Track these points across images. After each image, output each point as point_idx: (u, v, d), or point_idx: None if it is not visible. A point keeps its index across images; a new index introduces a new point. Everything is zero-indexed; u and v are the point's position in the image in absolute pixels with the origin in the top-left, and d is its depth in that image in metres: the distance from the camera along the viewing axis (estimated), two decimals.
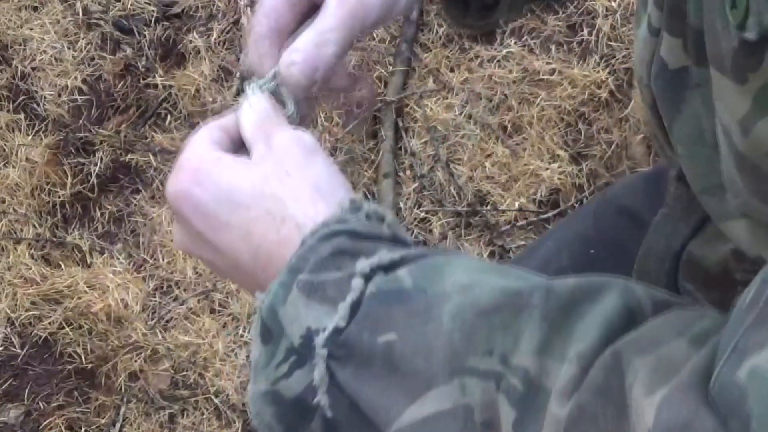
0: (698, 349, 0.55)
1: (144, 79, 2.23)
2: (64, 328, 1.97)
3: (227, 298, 2.01)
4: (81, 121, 2.18)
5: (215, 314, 2.00)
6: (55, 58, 2.24)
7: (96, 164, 2.14)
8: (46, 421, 1.92)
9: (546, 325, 0.59)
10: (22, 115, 2.20)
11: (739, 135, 0.60)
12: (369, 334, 0.63)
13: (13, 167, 2.14)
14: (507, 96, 2.12)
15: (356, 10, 0.77)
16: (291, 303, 0.65)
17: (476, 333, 0.61)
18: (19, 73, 2.23)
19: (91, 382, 1.96)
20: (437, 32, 2.20)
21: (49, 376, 1.97)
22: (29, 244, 2.07)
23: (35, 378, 1.97)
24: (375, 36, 2.20)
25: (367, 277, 0.64)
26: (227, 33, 2.26)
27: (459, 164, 2.08)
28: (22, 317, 1.99)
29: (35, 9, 2.30)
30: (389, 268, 0.65)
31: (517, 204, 2.03)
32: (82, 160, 2.15)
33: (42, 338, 1.98)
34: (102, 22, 2.28)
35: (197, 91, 2.19)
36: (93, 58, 2.25)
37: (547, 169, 2.04)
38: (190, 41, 2.24)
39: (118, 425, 1.92)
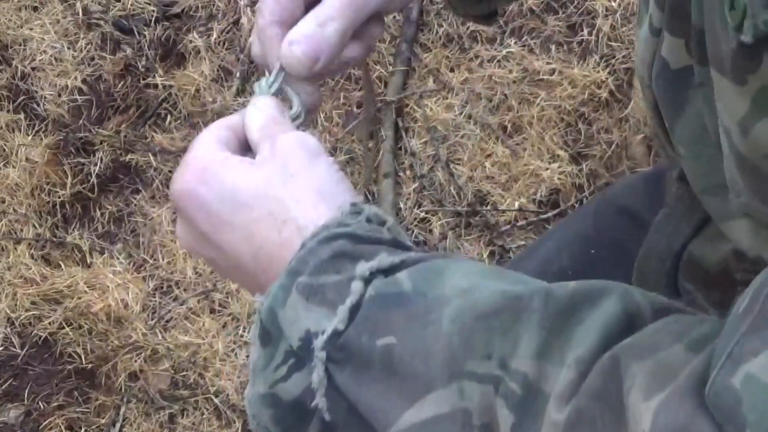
0: (696, 355, 0.55)
1: (144, 79, 2.23)
2: (64, 328, 1.97)
3: (227, 298, 2.01)
4: (81, 121, 2.18)
5: (215, 314, 2.00)
6: (55, 58, 2.24)
7: (96, 164, 2.14)
8: (46, 421, 1.92)
9: (545, 330, 0.59)
10: (22, 115, 2.20)
11: (739, 136, 0.60)
12: (368, 338, 0.63)
13: (13, 167, 2.14)
14: (507, 96, 2.12)
15: None
16: (290, 305, 0.65)
17: (475, 337, 0.61)
18: (19, 73, 2.23)
19: (91, 382, 1.96)
20: (437, 32, 2.20)
21: (49, 376, 1.97)
22: (29, 244, 2.07)
23: (35, 378, 1.97)
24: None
25: (367, 281, 0.64)
26: (227, 33, 2.26)
27: (459, 164, 2.08)
28: (22, 317, 1.99)
29: (35, 9, 2.30)
30: (389, 271, 0.65)
31: (517, 204, 2.03)
32: (82, 160, 2.15)
33: (42, 338, 1.98)
34: (102, 22, 2.28)
35: (197, 91, 2.19)
36: (93, 58, 2.25)
37: (547, 169, 2.04)
38: (190, 41, 2.24)
39: (118, 425, 1.92)
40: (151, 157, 2.15)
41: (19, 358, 1.98)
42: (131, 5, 2.29)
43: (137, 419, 1.92)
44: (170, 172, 2.13)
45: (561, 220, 1.92)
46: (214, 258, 0.73)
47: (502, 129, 2.10)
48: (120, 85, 2.22)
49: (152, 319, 2.00)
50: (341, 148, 2.11)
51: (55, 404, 1.94)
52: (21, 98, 2.22)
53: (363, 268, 0.64)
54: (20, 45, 2.25)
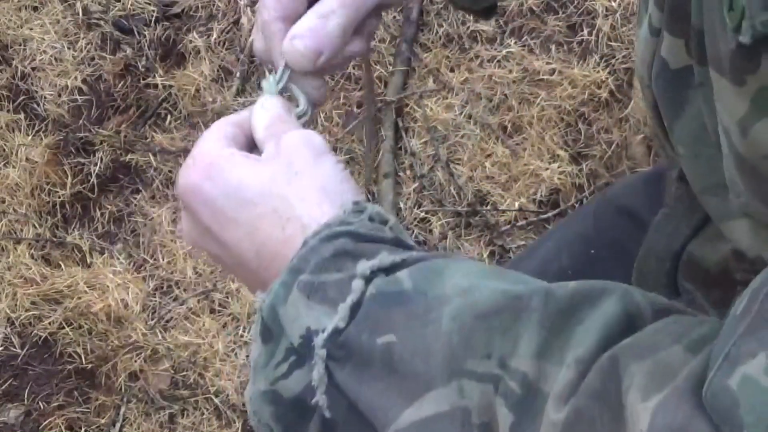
0: (695, 356, 0.55)
1: (144, 79, 2.23)
2: (64, 328, 1.97)
3: (227, 298, 2.01)
4: (81, 121, 2.18)
5: (215, 314, 2.00)
6: (55, 58, 2.24)
7: (96, 164, 2.14)
8: (46, 421, 1.92)
9: (545, 330, 0.59)
10: (22, 115, 2.20)
11: (738, 136, 0.60)
12: (368, 336, 0.63)
13: (13, 167, 2.14)
14: (507, 96, 2.12)
15: None
16: (291, 303, 0.65)
17: (475, 336, 0.61)
18: (19, 73, 2.23)
19: (91, 382, 1.96)
20: (437, 32, 2.20)
21: (49, 376, 1.97)
22: (29, 244, 2.07)
23: (35, 378, 1.97)
24: (375, 36, 2.19)
25: (368, 279, 0.64)
26: (227, 33, 2.26)
27: (459, 164, 2.08)
28: (22, 317, 1.99)
29: (35, 9, 2.30)
30: (390, 270, 0.65)
31: (517, 204, 2.03)
32: (82, 160, 2.15)
33: (42, 338, 1.98)
34: (102, 22, 2.28)
35: (197, 91, 2.19)
36: (93, 58, 2.25)
37: (547, 169, 2.04)
38: (190, 41, 2.24)
39: (118, 425, 1.92)
40: (151, 157, 2.15)
41: (19, 358, 1.98)
42: (131, 5, 2.29)
43: (137, 419, 1.93)
44: (170, 172, 2.14)
45: (561, 220, 1.92)
46: (218, 254, 0.73)
47: (502, 129, 2.10)
48: (120, 85, 2.22)
49: (152, 319, 2.00)
50: (341, 148, 2.11)
51: (55, 404, 1.94)
52: (21, 98, 2.22)
53: (364, 266, 0.64)
54: (20, 45, 2.25)
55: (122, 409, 1.93)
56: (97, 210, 2.12)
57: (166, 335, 1.98)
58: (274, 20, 0.78)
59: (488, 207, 2.05)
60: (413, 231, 2.03)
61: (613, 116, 2.09)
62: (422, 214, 2.06)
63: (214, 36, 2.24)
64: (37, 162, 2.13)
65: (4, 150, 2.17)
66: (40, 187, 2.12)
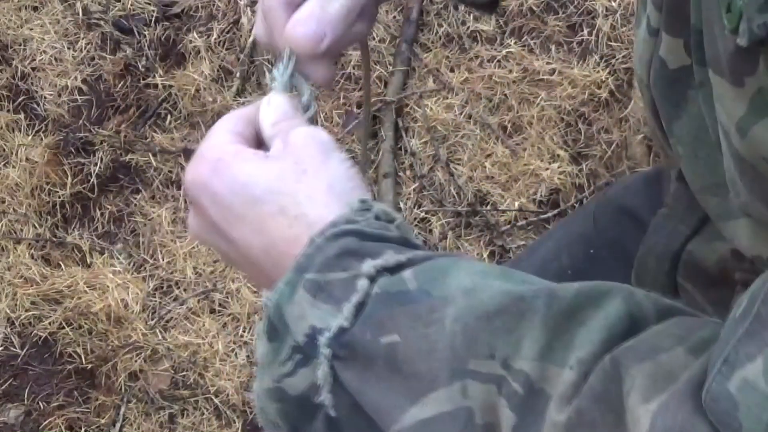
0: (697, 358, 0.56)
1: (144, 79, 2.23)
2: (64, 328, 1.97)
3: (227, 298, 2.01)
4: (81, 121, 2.18)
5: (215, 314, 2.00)
6: (55, 58, 2.24)
7: (96, 164, 2.14)
8: (46, 421, 1.92)
9: (548, 331, 0.59)
10: (22, 115, 2.20)
11: (737, 137, 0.60)
12: (372, 335, 0.63)
13: (13, 167, 2.14)
14: (507, 96, 2.12)
15: None
16: (297, 301, 0.65)
17: (478, 336, 0.61)
18: (19, 73, 2.23)
19: (91, 382, 1.96)
20: (437, 32, 2.20)
21: (49, 376, 1.97)
22: (29, 244, 2.07)
23: (35, 378, 1.97)
24: (375, 36, 2.20)
25: (373, 279, 0.64)
26: (227, 33, 2.26)
27: (459, 164, 2.08)
28: (22, 317, 1.99)
29: (35, 9, 2.30)
30: (395, 269, 0.65)
31: (517, 204, 2.03)
32: (82, 160, 2.15)
33: (42, 338, 1.98)
34: (102, 22, 2.28)
35: (197, 91, 2.19)
36: (93, 58, 2.25)
37: (547, 169, 2.04)
38: (190, 41, 2.24)
39: (118, 425, 1.92)
40: (151, 157, 2.15)
41: (19, 358, 1.98)
42: (131, 5, 2.29)
43: (137, 419, 1.93)
44: (170, 172, 2.14)
45: (561, 220, 1.92)
46: (225, 250, 0.73)
47: (502, 129, 2.10)
48: (120, 85, 2.22)
49: (152, 319, 2.00)
50: (341, 148, 2.11)
51: (55, 404, 1.94)
52: (21, 98, 2.22)
53: (369, 266, 0.64)
54: (20, 45, 2.25)
55: (122, 409, 1.93)
56: (97, 210, 2.12)
57: (166, 335, 1.98)
58: (277, 6, 0.78)
59: (488, 207, 2.05)
60: (413, 231, 2.03)
61: (613, 116, 2.09)
62: (422, 214, 2.06)
63: (214, 36, 2.24)
64: (37, 162, 2.13)
65: (4, 150, 2.17)
66: (40, 187, 2.12)
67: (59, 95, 2.20)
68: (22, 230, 2.09)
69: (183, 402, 1.93)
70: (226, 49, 2.24)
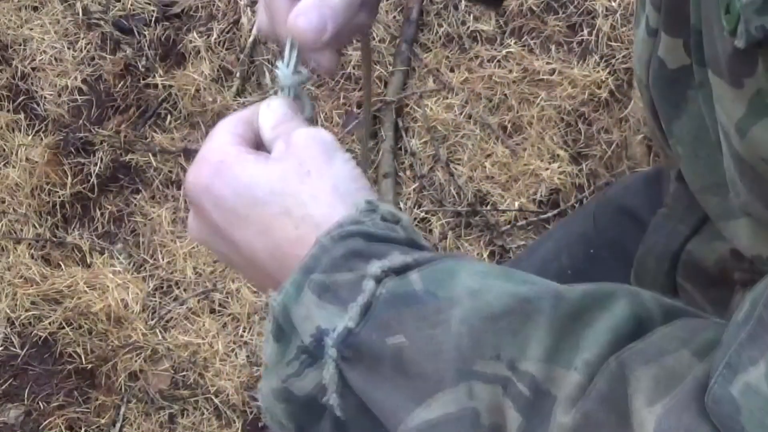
0: (701, 360, 0.56)
1: (144, 79, 2.23)
2: (64, 328, 1.97)
3: (227, 298, 2.01)
4: (81, 121, 2.18)
5: (215, 314, 2.00)
6: (55, 58, 2.24)
7: (96, 164, 2.14)
8: (46, 421, 1.92)
9: (554, 332, 0.59)
10: (22, 115, 2.20)
11: (737, 138, 0.60)
12: (378, 337, 0.63)
13: (13, 167, 2.14)
14: (507, 96, 2.12)
15: None
16: (303, 302, 0.65)
17: (484, 338, 0.61)
18: (19, 73, 2.23)
19: (91, 382, 1.96)
20: (437, 32, 2.20)
21: (49, 376, 1.97)
22: (29, 244, 2.07)
23: (35, 378, 1.97)
24: (375, 36, 2.20)
25: (379, 280, 0.64)
26: (227, 33, 2.26)
27: (459, 164, 2.08)
28: (22, 317, 1.99)
29: (35, 9, 2.30)
30: (401, 270, 0.65)
31: (517, 204, 2.03)
32: (82, 160, 2.15)
33: (42, 338, 1.98)
34: (102, 22, 2.28)
35: (197, 91, 2.19)
36: (93, 58, 2.25)
37: (547, 169, 2.04)
38: (190, 41, 2.24)
39: (118, 425, 1.92)
40: (151, 157, 2.15)
41: (19, 358, 1.98)
42: (131, 5, 2.29)
43: (137, 419, 1.93)
44: (170, 172, 2.14)
45: (561, 220, 1.92)
46: (227, 252, 0.73)
47: (502, 129, 2.10)
48: (120, 85, 2.22)
49: (152, 319, 2.00)
50: (343, 149, 2.11)
51: (55, 404, 1.94)
52: (21, 98, 2.22)
53: (375, 267, 0.64)
54: (20, 45, 2.25)
55: (122, 409, 1.93)
56: (97, 210, 2.12)
57: (166, 335, 1.98)
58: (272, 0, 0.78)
59: (488, 207, 2.05)
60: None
61: (613, 116, 2.09)
62: (422, 214, 2.06)
63: (214, 36, 2.24)
64: (37, 162, 2.13)
65: (4, 150, 2.17)
66: (40, 187, 2.12)
67: (59, 95, 2.20)
68: (22, 230, 2.09)
69: (183, 402, 1.94)
70: (226, 49, 2.24)
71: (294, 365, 0.65)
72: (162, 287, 2.04)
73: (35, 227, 2.09)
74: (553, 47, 2.16)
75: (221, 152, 0.72)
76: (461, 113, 2.11)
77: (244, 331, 1.97)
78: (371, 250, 0.65)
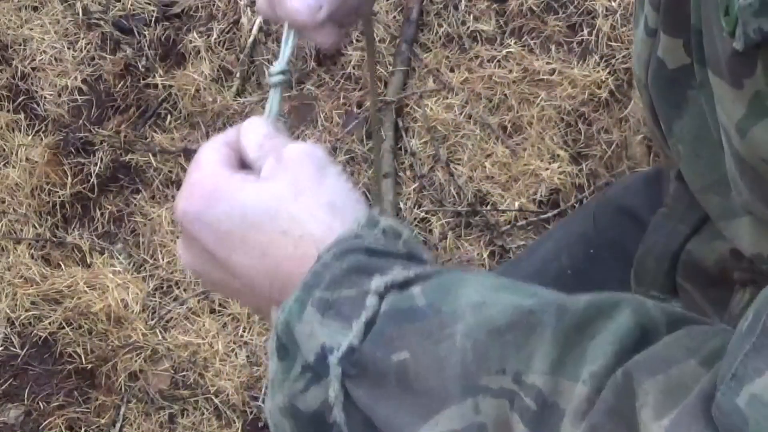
0: (708, 370, 0.55)
1: (144, 79, 2.23)
2: (64, 328, 1.97)
3: (227, 298, 2.00)
4: (81, 121, 2.18)
5: (215, 314, 2.00)
6: (55, 58, 2.24)
7: (96, 164, 2.14)
8: (46, 421, 1.92)
9: (559, 345, 0.59)
10: (22, 115, 2.20)
11: (737, 138, 0.60)
12: (383, 353, 0.62)
13: (13, 167, 2.14)
14: (507, 96, 2.12)
15: None
16: (306, 319, 0.64)
17: (489, 352, 0.60)
18: (19, 73, 2.23)
19: (91, 382, 1.96)
20: (437, 32, 2.20)
21: (49, 376, 1.97)
22: (29, 244, 2.07)
23: (35, 378, 1.97)
24: (375, 36, 2.20)
25: (381, 295, 0.64)
26: (227, 33, 2.26)
27: (459, 164, 2.08)
28: (22, 317, 1.99)
29: (35, 9, 2.30)
30: (403, 285, 0.64)
31: (517, 204, 2.03)
32: (82, 160, 2.15)
33: (42, 338, 1.98)
34: (102, 22, 2.28)
35: (197, 91, 2.19)
36: (93, 58, 2.25)
37: (547, 169, 2.04)
38: (190, 41, 2.24)
39: (118, 425, 1.92)
40: (151, 157, 2.15)
41: (19, 358, 1.98)
42: (131, 5, 2.29)
43: (137, 419, 1.92)
44: (170, 172, 2.14)
45: (561, 220, 1.92)
46: (223, 279, 0.72)
47: (502, 129, 2.10)
48: (120, 85, 2.22)
49: (152, 319, 2.00)
50: (341, 148, 2.11)
51: (55, 404, 1.94)
52: (21, 98, 2.22)
53: (377, 282, 0.64)
54: (20, 45, 2.25)
55: (122, 409, 1.93)
56: (97, 210, 2.12)
57: (166, 335, 1.98)
58: None
59: (488, 207, 2.05)
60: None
61: (613, 116, 2.09)
62: (422, 214, 2.06)
63: (214, 36, 2.24)
64: (37, 162, 2.13)
65: (4, 150, 2.17)
66: (40, 187, 2.12)
67: (59, 95, 2.20)
68: (22, 230, 2.09)
69: (183, 402, 1.93)
70: (226, 49, 2.24)
71: (299, 383, 0.65)
72: (162, 287, 2.04)
73: (35, 227, 2.09)
74: (553, 47, 2.16)
75: (210, 177, 0.71)
76: (461, 113, 2.11)
77: (244, 331, 1.97)
78: (373, 265, 0.65)
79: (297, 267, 0.67)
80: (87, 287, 2.00)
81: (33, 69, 2.23)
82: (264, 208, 0.69)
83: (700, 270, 0.85)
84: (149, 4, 2.29)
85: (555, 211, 2.02)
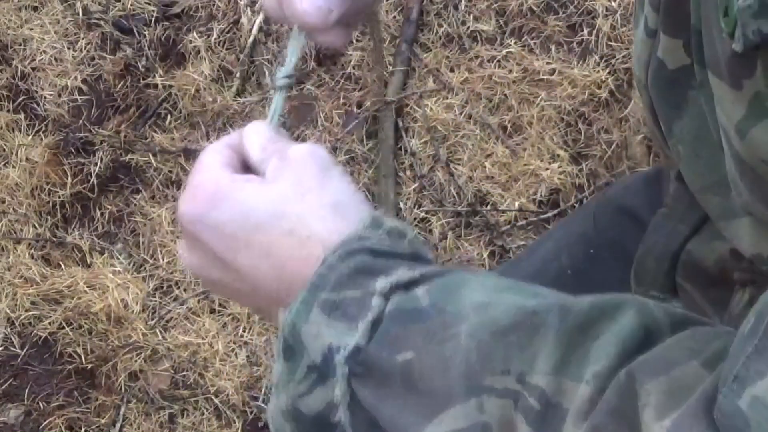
0: (711, 371, 0.56)
1: (144, 79, 2.23)
2: (64, 328, 1.97)
3: (228, 299, 2.00)
4: (81, 121, 2.18)
5: (215, 314, 2.00)
6: (55, 58, 2.24)
7: (96, 164, 2.14)
8: (46, 421, 1.92)
9: (562, 345, 0.59)
10: (22, 115, 2.20)
11: (737, 139, 0.60)
12: (388, 353, 0.63)
13: (13, 167, 2.14)
14: (507, 96, 2.12)
15: None
16: (312, 321, 0.65)
17: (493, 352, 0.61)
18: (19, 73, 2.23)
19: (91, 382, 1.96)
20: (437, 32, 2.20)
21: (49, 376, 1.97)
22: (29, 244, 2.07)
23: (35, 378, 1.97)
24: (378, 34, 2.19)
25: (387, 296, 0.64)
26: (227, 33, 2.26)
27: (459, 164, 2.08)
28: (22, 317, 1.99)
29: (35, 9, 2.30)
30: (408, 286, 0.65)
31: (517, 204, 2.03)
32: (82, 160, 2.15)
33: (42, 338, 1.98)
34: (102, 22, 2.28)
35: (197, 91, 2.19)
36: (93, 58, 2.25)
37: (547, 169, 2.04)
38: (190, 41, 2.24)
39: (118, 425, 1.92)
40: (151, 157, 2.15)
41: (19, 358, 1.98)
42: (131, 5, 2.29)
43: (137, 419, 1.93)
44: (170, 172, 2.14)
45: (561, 220, 1.92)
46: (227, 281, 0.72)
47: (502, 129, 2.10)
48: (120, 85, 2.22)
49: (152, 319, 2.00)
50: (341, 148, 2.11)
51: (55, 404, 1.94)
52: (21, 98, 2.22)
53: (382, 283, 0.64)
54: (20, 45, 2.25)
55: (122, 409, 1.93)
56: (97, 210, 2.12)
57: (166, 335, 1.98)
58: None
59: (488, 207, 2.05)
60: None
61: (613, 116, 2.09)
62: (422, 214, 2.06)
63: (214, 36, 2.24)
64: (37, 162, 2.13)
65: (4, 150, 2.17)
66: (40, 187, 2.12)
67: (59, 95, 2.20)
68: (22, 230, 2.09)
69: (183, 402, 1.94)
70: (226, 49, 2.24)
71: (304, 384, 0.65)
72: (162, 287, 2.04)
73: (35, 227, 2.09)
74: (553, 47, 2.16)
75: (213, 179, 0.71)
76: (461, 113, 2.11)
77: (244, 331, 1.97)
78: (378, 266, 0.65)
79: (303, 267, 0.67)
80: (87, 287, 2.00)
81: (33, 69, 2.23)
82: (269, 209, 0.69)
83: (700, 270, 0.86)
84: (149, 4, 2.29)
85: (555, 211, 2.02)
